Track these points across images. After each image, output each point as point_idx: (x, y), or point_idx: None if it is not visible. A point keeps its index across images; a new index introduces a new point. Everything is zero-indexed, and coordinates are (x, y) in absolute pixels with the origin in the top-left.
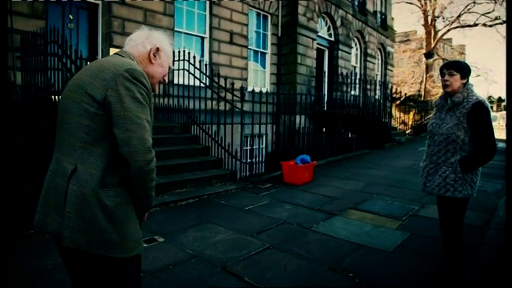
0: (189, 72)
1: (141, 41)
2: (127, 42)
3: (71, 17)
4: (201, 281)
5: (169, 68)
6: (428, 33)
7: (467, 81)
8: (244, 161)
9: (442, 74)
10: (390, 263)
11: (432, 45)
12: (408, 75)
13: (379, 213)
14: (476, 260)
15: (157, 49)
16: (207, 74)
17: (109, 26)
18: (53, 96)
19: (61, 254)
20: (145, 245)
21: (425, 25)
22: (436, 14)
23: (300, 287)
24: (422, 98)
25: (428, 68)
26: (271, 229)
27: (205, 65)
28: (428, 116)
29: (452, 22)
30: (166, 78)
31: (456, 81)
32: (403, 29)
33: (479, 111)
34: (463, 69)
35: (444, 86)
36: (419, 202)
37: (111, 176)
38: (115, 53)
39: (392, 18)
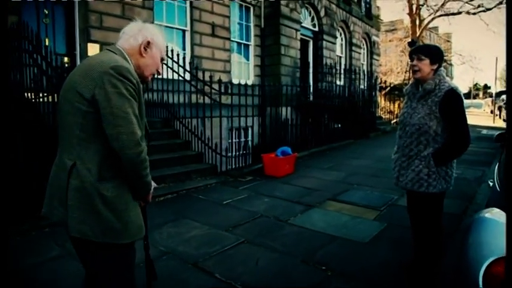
0: (168, 66)
1: (133, 33)
2: (120, 35)
3: (46, 12)
4: (170, 279)
5: (163, 59)
6: (413, 21)
7: (439, 66)
8: (225, 154)
9: (411, 59)
10: (364, 254)
11: (417, 34)
12: (395, 64)
13: (357, 203)
14: (449, 249)
15: (148, 42)
16: (186, 67)
17: (86, 20)
18: (26, 94)
19: (72, 243)
20: None
21: (410, 14)
22: (420, 2)
23: (269, 281)
24: None
25: None
26: (248, 223)
27: (183, 58)
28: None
29: (437, 10)
30: (160, 70)
31: (425, 66)
32: (390, 18)
33: (452, 99)
34: (433, 54)
35: (413, 72)
36: (399, 191)
37: (108, 169)
38: (106, 49)
39: (378, 7)
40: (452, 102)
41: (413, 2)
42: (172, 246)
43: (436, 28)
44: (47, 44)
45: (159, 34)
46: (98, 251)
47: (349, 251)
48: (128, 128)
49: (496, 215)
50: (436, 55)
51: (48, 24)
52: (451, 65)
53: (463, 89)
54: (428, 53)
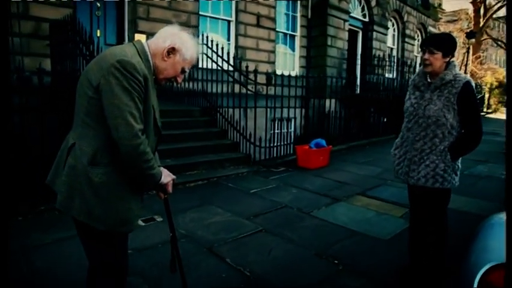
0: (208, 57)
1: (164, 35)
2: (155, 34)
3: (98, 5)
4: (182, 260)
5: (184, 70)
6: (476, 11)
7: (452, 57)
8: (258, 144)
9: (422, 52)
10: (381, 252)
11: (481, 24)
12: (455, 57)
13: (387, 200)
14: None
15: (173, 49)
16: (225, 58)
17: (135, 12)
18: None
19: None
20: (143, 223)
21: (474, 2)
22: None
23: (278, 271)
24: None
25: (474, 48)
26: (270, 213)
27: (222, 48)
28: None
29: None
30: (179, 79)
31: (437, 60)
32: (453, 8)
33: (471, 92)
34: (446, 47)
35: (424, 66)
36: None
37: (102, 156)
38: (131, 42)
39: None
40: (471, 95)
41: None
42: (192, 230)
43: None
44: (98, 35)
45: (191, 45)
46: (84, 230)
47: (367, 248)
48: (126, 120)
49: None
50: (449, 47)
51: (100, 16)
52: None
53: None
54: (440, 46)
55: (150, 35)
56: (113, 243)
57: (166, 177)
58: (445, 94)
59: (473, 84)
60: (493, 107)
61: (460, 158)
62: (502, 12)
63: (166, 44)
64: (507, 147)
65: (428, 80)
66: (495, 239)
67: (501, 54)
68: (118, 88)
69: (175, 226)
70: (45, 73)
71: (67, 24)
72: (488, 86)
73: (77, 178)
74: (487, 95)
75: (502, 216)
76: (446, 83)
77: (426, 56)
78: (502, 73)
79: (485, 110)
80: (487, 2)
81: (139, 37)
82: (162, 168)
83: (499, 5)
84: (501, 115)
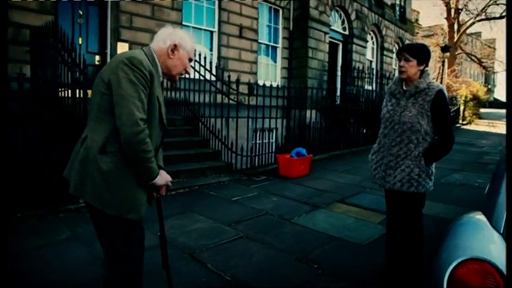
0: (190, 66)
1: (163, 37)
2: (154, 38)
3: (81, 13)
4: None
5: (191, 59)
6: (450, 26)
7: (426, 66)
8: (240, 153)
9: (398, 59)
10: (359, 256)
11: (455, 39)
12: (431, 69)
13: (365, 207)
14: None
15: (175, 46)
16: (208, 67)
17: (117, 20)
18: (60, 89)
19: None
20: None
21: (448, 18)
22: (459, 6)
23: (259, 275)
24: None
25: (449, 62)
26: (251, 219)
27: (204, 58)
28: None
29: (477, 15)
30: (188, 70)
31: (412, 67)
32: (429, 23)
33: (444, 100)
34: (420, 55)
35: (400, 72)
36: None
37: (112, 145)
38: (140, 48)
39: (416, 12)
40: (444, 103)
41: (451, 5)
42: (172, 236)
43: (478, 33)
44: (80, 43)
45: (188, 38)
46: (96, 214)
47: (345, 252)
48: (129, 108)
49: (477, 218)
50: (423, 56)
51: (82, 24)
52: (493, 72)
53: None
54: (415, 54)
55: (132, 43)
56: (125, 230)
57: (162, 180)
58: (419, 101)
59: (446, 93)
60: (468, 118)
61: (434, 164)
62: (474, 28)
63: (168, 44)
64: (507, 148)
65: (404, 88)
66: (465, 237)
67: (475, 68)
68: (125, 81)
69: (156, 232)
70: (25, 79)
71: (49, 31)
72: (463, 98)
73: (88, 165)
74: (462, 107)
75: (472, 216)
76: (421, 91)
77: (402, 63)
78: (475, 86)
79: (460, 121)
80: (461, 19)
81: (122, 46)
82: (161, 171)
83: (472, 21)
84: (476, 126)
